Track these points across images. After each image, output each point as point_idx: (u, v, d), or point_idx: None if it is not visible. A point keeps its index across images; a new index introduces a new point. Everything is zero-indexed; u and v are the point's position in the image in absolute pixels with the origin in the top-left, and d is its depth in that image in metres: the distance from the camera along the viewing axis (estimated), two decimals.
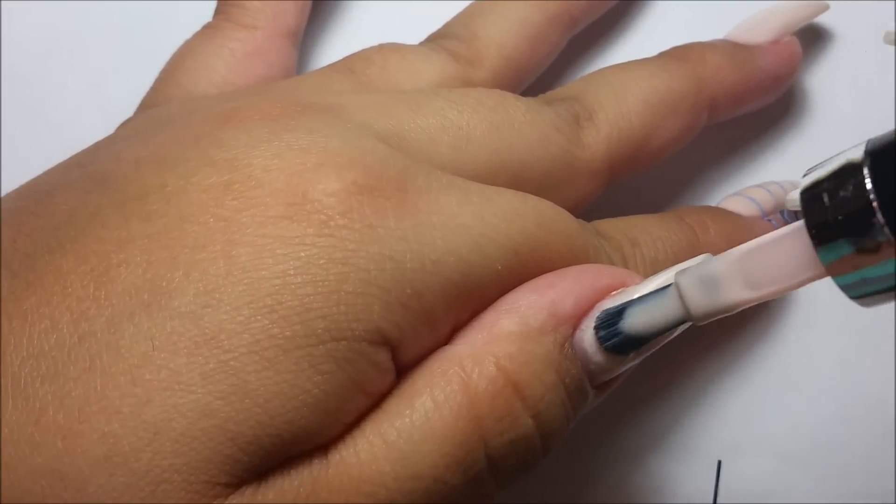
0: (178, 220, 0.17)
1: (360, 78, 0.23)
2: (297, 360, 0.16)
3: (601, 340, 0.18)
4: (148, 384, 0.16)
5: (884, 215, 0.14)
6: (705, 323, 0.17)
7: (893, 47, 0.15)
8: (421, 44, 0.24)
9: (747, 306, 0.17)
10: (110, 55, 0.29)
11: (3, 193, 0.21)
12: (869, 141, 0.14)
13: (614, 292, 0.19)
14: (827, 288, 0.26)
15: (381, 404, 0.18)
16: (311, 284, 0.17)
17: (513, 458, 0.18)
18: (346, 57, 0.24)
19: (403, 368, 0.18)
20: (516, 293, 0.19)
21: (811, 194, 0.15)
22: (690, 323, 0.18)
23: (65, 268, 0.17)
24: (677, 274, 0.17)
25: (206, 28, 0.25)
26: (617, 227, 0.22)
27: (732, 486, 0.26)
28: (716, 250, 0.22)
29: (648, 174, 0.25)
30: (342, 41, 0.28)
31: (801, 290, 0.27)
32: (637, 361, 0.19)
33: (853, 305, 0.27)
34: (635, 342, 0.18)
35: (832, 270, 0.15)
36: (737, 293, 0.17)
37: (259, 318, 0.16)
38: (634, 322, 0.18)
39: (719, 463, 0.26)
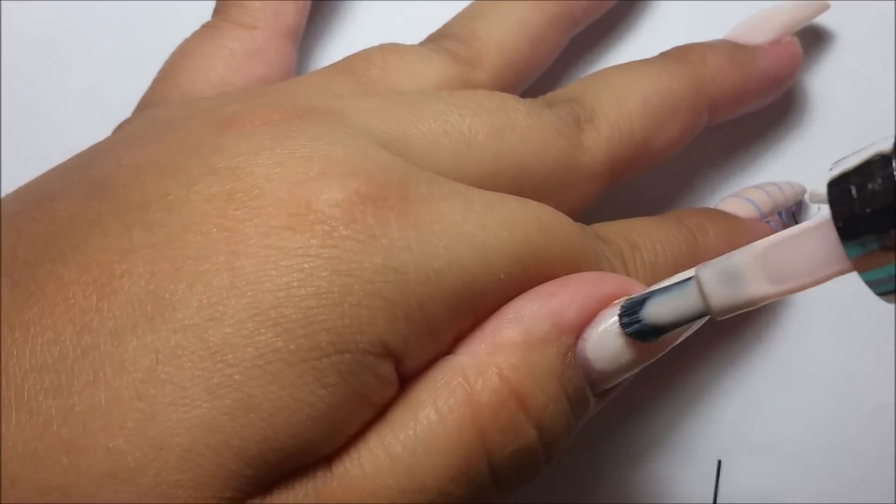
0: (180, 230, 0.17)
1: (359, 79, 0.22)
2: (302, 373, 0.16)
3: (623, 327, 0.18)
4: (153, 399, 0.16)
5: None
6: (725, 318, 0.17)
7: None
8: (421, 44, 0.24)
9: (767, 302, 0.17)
10: (110, 55, 0.29)
11: (3, 193, 0.21)
12: None
13: (616, 301, 0.18)
14: (827, 288, 0.26)
15: (385, 415, 0.17)
16: (314, 297, 0.16)
17: (515, 468, 0.18)
18: (346, 58, 0.23)
19: (407, 378, 0.18)
20: (519, 302, 0.18)
21: (838, 187, 0.14)
22: (709, 316, 0.17)
23: (67, 277, 0.17)
24: (698, 267, 0.17)
25: (206, 27, 0.25)
26: (616, 231, 0.22)
27: (732, 486, 0.26)
28: (715, 253, 0.22)
29: (648, 175, 0.25)
30: (342, 41, 0.28)
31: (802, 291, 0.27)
32: (637, 370, 0.19)
33: (853, 306, 0.27)
34: (656, 331, 0.18)
35: (858, 266, 0.15)
36: (758, 287, 0.16)
37: (263, 331, 0.16)
38: (655, 311, 0.18)
39: (719, 463, 0.26)
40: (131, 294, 0.17)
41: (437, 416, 0.17)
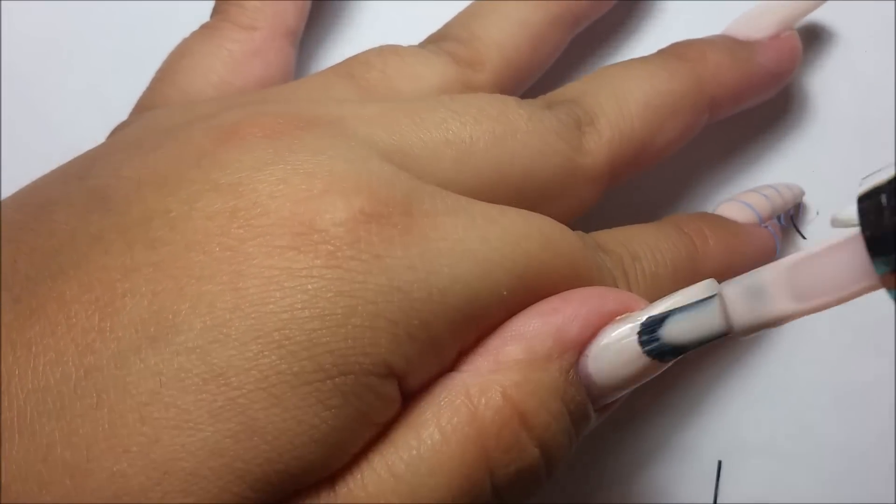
0: (183, 249, 0.17)
1: (359, 83, 0.22)
2: (305, 395, 0.16)
3: (642, 345, 0.18)
4: (156, 423, 0.16)
5: None
6: (749, 337, 0.17)
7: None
8: (421, 45, 0.24)
9: (791, 321, 0.16)
10: (110, 55, 0.29)
11: (3, 193, 0.21)
12: None
13: (619, 317, 0.18)
14: None
15: (388, 434, 0.17)
16: (318, 319, 0.16)
17: (518, 485, 0.18)
18: (346, 60, 0.23)
19: (410, 394, 0.18)
20: (521, 318, 0.18)
21: (869, 202, 0.14)
22: (729, 335, 0.17)
23: (68, 295, 0.17)
24: (722, 284, 0.17)
25: (205, 28, 0.25)
26: (617, 240, 0.22)
27: (733, 486, 0.26)
28: (715, 261, 0.22)
29: (647, 174, 0.25)
30: (342, 42, 0.28)
31: None
32: (638, 385, 0.19)
33: (853, 306, 0.27)
34: (676, 350, 0.18)
35: (887, 282, 0.14)
36: (783, 305, 0.16)
37: (267, 353, 0.16)
38: (674, 330, 0.18)
39: (719, 463, 0.26)
40: (134, 314, 0.16)
41: (440, 436, 0.17)
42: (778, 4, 0.26)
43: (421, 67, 0.23)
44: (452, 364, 0.18)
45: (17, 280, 0.17)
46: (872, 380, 0.26)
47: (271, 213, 0.17)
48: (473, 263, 0.18)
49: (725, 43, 0.25)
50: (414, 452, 0.17)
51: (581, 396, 0.18)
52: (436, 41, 0.24)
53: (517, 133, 0.21)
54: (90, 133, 0.23)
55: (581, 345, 0.18)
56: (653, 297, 0.21)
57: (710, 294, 0.18)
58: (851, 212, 0.15)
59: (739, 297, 0.17)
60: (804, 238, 0.27)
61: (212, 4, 0.26)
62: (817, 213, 0.27)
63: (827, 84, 0.27)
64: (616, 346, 0.18)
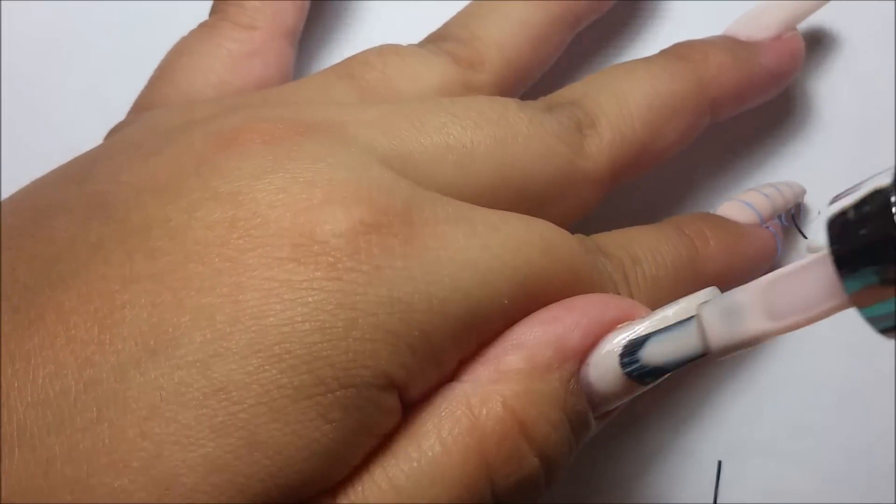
0: (182, 259, 0.17)
1: (359, 83, 0.22)
2: (306, 409, 0.16)
3: (623, 367, 0.18)
4: (157, 438, 0.16)
5: None
6: (726, 358, 0.17)
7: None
8: (421, 45, 0.24)
9: (767, 340, 0.17)
10: (110, 55, 0.29)
11: (3, 193, 0.21)
12: None
13: (620, 325, 0.18)
14: None
15: (388, 445, 0.17)
16: (319, 332, 0.16)
17: (518, 495, 0.18)
18: (345, 60, 0.23)
19: (410, 404, 0.18)
20: (522, 327, 0.18)
21: (837, 222, 0.15)
22: (708, 356, 0.17)
23: (67, 306, 0.17)
24: (700, 305, 0.17)
25: (203, 27, 0.25)
26: (617, 243, 0.22)
27: (733, 486, 0.26)
28: (716, 263, 0.22)
29: (648, 175, 0.25)
30: (341, 41, 0.28)
31: None
32: (638, 393, 0.19)
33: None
34: (656, 372, 0.18)
35: (857, 301, 0.15)
36: (757, 324, 0.16)
37: (268, 367, 0.16)
38: (654, 352, 0.18)
39: (720, 463, 0.26)
40: (133, 327, 0.16)
41: (441, 447, 0.17)
42: (780, 4, 0.25)
43: (421, 68, 0.23)
44: (453, 373, 0.18)
45: (15, 289, 0.17)
46: (873, 380, 0.26)
47: (271, 224, 0.17)
48: (474, 272, 0.18)
49: (727, 44, 0.25)
50: (415, 464, 0.17)
51: (581, 405, 0.18)
52: (435, 41, 0.24)
53: (518, 137, 0.21)
54: (90, 133, 0.23)
55: (582, 354, 0.18)
56: (654, 301, 0.21)
57: (689, 315, 0.18)
58: (823, 238, 0.15)
59: (716, 318, 0.17)
60: (805, 238, 0.27)
61: (212, 4, 0.26)
62: (819, 213, 0.27)
63: (827, 84, 0.27)
64: (616, 355, 0.18)
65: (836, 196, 0.15)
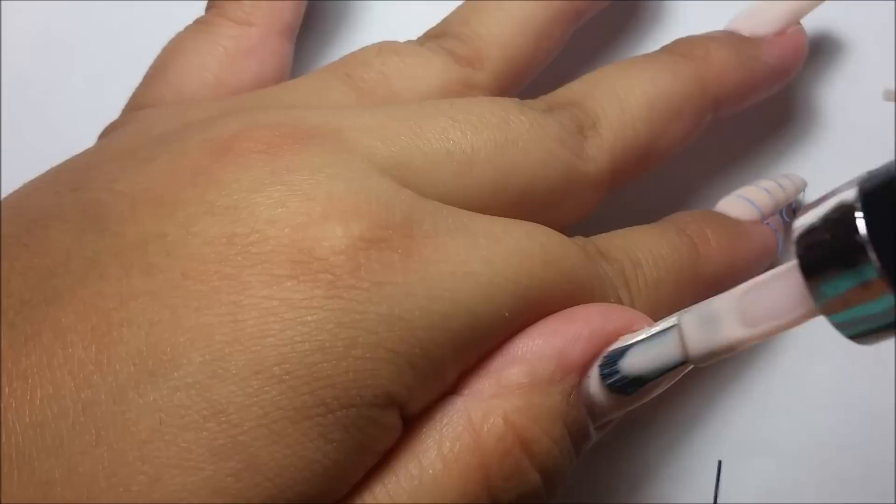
0: (180, 277, 0.17)
1: (357, 84, 0.22)
2: (307, 430, 0.16)
3: (603, 378, 0.18)
4: (157, 461, 0.15)
5: (875, 251, 0.14)
6: (705, 365, 0.17)
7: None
8: (420, 42, 0.24)
9: (745, 347, 0.17)
10: (110, 55, 0.29)
11: (3, 193, 0.21)
12: (861, 179, 0.15)
13: (622, 337, 0.18)
14: None
15: (389, 461, 0.17)
16: (319, 352, 0.16)
17: None
18: (343, 58, 0.23)
19: (410, 419, 0.18)
20: (523, 339, 0.18)
21: (804, 233, 0.15)
22: (691, 366, 0.18)
23: (64, 323, 0.16)
24: (680, 313, 0.17)
25: (199, 23, 0.25)
26: (617, 246, 0.21)
27: (733, 486, 0.26)
28: (716, 264, 0.22)
29: (648, 173, 0.25)
30: (339, 37, 0.28)
31: None
32: (640, 402, 0.19)
33: None
34: (635, 382, 0.18)
35: (825, 309, 0.15)
36: (733, 331, 0.17)
37: (268, 389, 0.16)
38: (634, 362, 0.18)
39: (720, 463, 0.26)
40: (131, 346, 0.16)
41: (442, 465, 0.17)
42: None
43: (420, 68, 0.23)
44: (453, 385, 0.18)
45: (11, 303, 0.17)
46: (873, 380, 0.26)
47: (270, 240, 0.17)
48: (476, 287, 0.18)
49: (730, 40, 0.25)
50: (416, 482, 0.17)
51: (582, 417, 0.18)
52: (435, 38, 0.24)
53: (518, 141, 0.20)
54: (90, 133, 0.23)
55: (584, 367, 0.18)
56: (655, 304, 0.21)
57: (670, 324, 0.18)
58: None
59: (694, 326, 0.17)
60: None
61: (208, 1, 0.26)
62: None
63: (827, 84, 0.27)
64: (597, 366, 0.18)
65: (805, 206, 0.16)
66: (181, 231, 0.17)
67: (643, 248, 0.22)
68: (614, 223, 0.23)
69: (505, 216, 0.20)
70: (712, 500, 0.26)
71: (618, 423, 0.26)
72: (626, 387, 0.18)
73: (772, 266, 0.26)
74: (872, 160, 0.27)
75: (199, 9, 0.26)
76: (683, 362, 0.17)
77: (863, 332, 0.15)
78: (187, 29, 0.25)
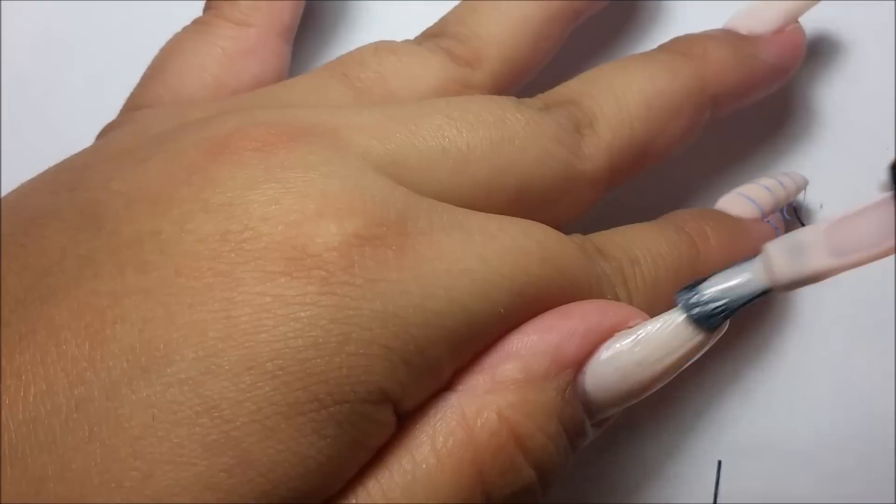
0: (173, 274, 0.17)
1: (354, 84, 0.22)
2: (300, 426, 0.16)
3: (685, 310, 0.18)
4: (149, 457, 0.15)
5: None
6: (788, 291, 0.18)
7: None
8: (417, 42, 0.24)
9: (830, 276, 0.17)
10: (110, 55, 0.29)
11: (3, 193, 0.21)
12: None
13: (618, 333, 0.18)
14: (828, 289, 0.26)
15: (382, 457, 0.17)
16: (312, 348, 0.16)
17: None
18: (340, 58, 0.23)
19: (404, 415, 0.18)
20: (518, 335, 0.18)
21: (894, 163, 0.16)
22: (772, 291, 0.18)
23: (58, 321, 0.16)
24: (766, 244, 0.18)
25: (197, 24, 0.25)
26: (616, 244, 0.21)
27: (733, 486, 0.26)
28: (716, 261, 0.22)
29: (647, 172, 0.25)
30: (337, 38, 0.28)
31: (803, 291, 0.27)
32: (636, 400, 0.19)
33: (853, 306, 0.27)
34: (721, 312, 0.18)
35: None
36: (821, 260, 0.17)
37: (261, 384, 0.16)
38: (716, 291, 0.18)
39: (719, 463, 0.26)
40: (124, 343, 0.16)
41: (435, 460, 0.17)
42: None
43: (417, 67, 0.22)
44: (448, 382, 0.18)
45: (6, 302, 0.17)
46: (873, 380, 0.26)
47: (263, 237, 0.17)
48: (471, 284, 0.18)
49: (728, 38, 0.24)
50: (409, 477, 0.17)
51: (578, 414, 0.18)
52: (433, 38, 0.24)
53: (515, 140, 0.20)
54: (90, 133, 0.23)
55: (579, 363, 0.18)
56: (653, 302, 0.21)
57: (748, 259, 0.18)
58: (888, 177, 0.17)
59: (781, 255, 0.18)
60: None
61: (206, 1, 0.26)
62: (821, 206, 0.27)
63: (826, 83, 0.27)
64: (615, 362, 0.18)
65: None
66: (175, 229, 0.17)
67: (641, 245, 0.22)
68: (613, 222, 0.23)
69: (502, 214, 0.19)
70: (712, 500, 0.26)
71: (617, 424, 0.26)
72: (711, 318, 0.18)
73: None
74: (872, 160, 0.27)
75: (198, 9, 0.26)
76: (769, 289, 0.18)
77: None
78: (185, 30, 0.25)
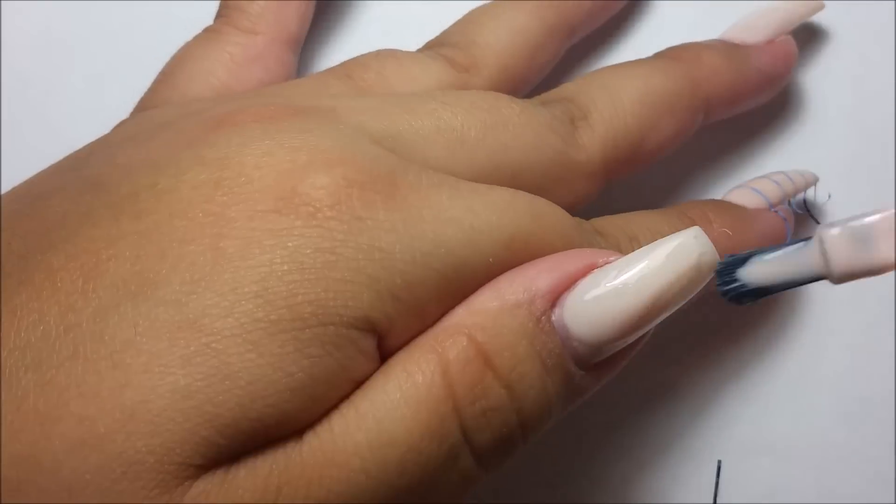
0: (167, 217, 0.17)
1: (356, 83, 0.22)
2: (283, 343, 0.16)
3: (719, 287, 0.18)
4: (128, 368, 0.16)
5: None
6: (843, 283, 0.17)
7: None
8: (419, 51, 0.24)
9: (892, 270, 0.16)
10: (110, 55, 0.29)
11: (3, 193, 0.21)
12: None
13: (596, 269, 0.18)
14: (827, 288, 0.26)
15: (360, 387, 0.17)
16: (298, 272, 0.17)
17: (487, 431, 0.18)
18: (344, 62, 0.23)
19: (388, 355, 0.18)
20: (501, 275, 0.19)
21: None
22: (827, 279, 0.17)
23: (56, 265, 0.17)
24: (821, 227, 0.17)
25: (207, 31, 0.25)
26: (615, 224, 0.22)
27: (732, 486, 0.26)
28: (718, 245, 0.22)
29: (646, 173, 0.25)
30: (342, 49, 0.28)
31: (802, 291, 0.27)
32: (623, 342, 0.18)
33: (853, 306, 0.27)
34: (757, 292, 0.17)
35: None
36: (889, 254, 0.16)
37: (244, 302, 0.16)
38: (760, 271, 0.17)
39: (719, 463, 0.26)
40: (116, 276, 0.17)
41: (406, 374, 0.17)
42: (774, 8, 0.26)
43: (417, 71, 0.23)
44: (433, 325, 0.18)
45: (9, 259, 0.18)
46: (873, 380, 0.26)
47: (255, 182, 0.17)
48: (458, 231, 0.18)
49: (721, 46, 0.25)
50: (380, 392, 0.17)
51: (554, 344, 0.18)
52: (433, 47, 0.24)
53: (509, 125, 0.21)
54: (90, 133, 0.23)
55: (553, 293, 0.18)
56: None
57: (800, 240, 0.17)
58: None
59: (842, 242, 0.16)
60: (818, 223, 0.27)
61: (213, 5, 0.26)
62: (829, 196, 0.27)
63: (826, 83, 0.27)
64: (592, 292, 0.18)
65: None
66: (172, 180, 0.18)
67: (640, 225, 0.22)
68: None
69: None
70: (712, 500, 0.26)
71: (617, 424, 0.27)
72: (744, 297, 0.18)
73: None
74: (872, 160, 0.27)
75: (198, 9, 0.26)
76: (822, 277, 0.17)
77: None
78: (196, 37, 0.25)
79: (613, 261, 0.18)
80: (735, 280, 0.17)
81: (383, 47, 0.24)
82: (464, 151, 0.20)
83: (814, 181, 0.26)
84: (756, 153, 0.28)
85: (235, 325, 0.16)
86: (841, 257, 0.16)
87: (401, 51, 0.24)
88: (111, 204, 0.18)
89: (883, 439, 0.26)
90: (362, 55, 0.24)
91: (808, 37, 0.27)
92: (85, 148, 0.21)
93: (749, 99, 0.26)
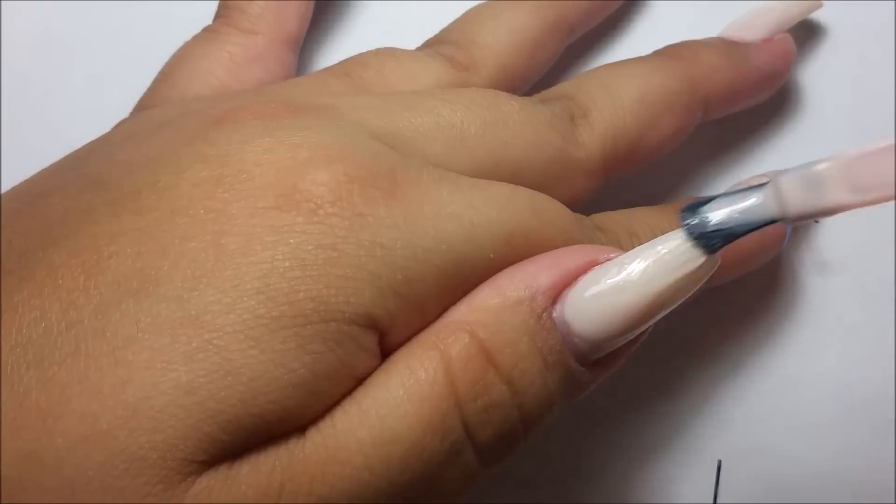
0: (168, 213, 0.17)
1: (355, 82, 0.23)
2: (285, 339, 0.16)
3: (686, 229, 0.18)
4: (130, 364, 0.16)
5: None
6: (797, 224, 0.17)
7: None
8: (418, 49, 0.24)
9: (844, 212, 0.17)
10: (110, 55, 0.29)
11: (3, 192, 0.21)
12: None
13: (598, 266, 0.18)
14: (827, 288, 0.26)
15: (362, 384, 0.18)
16: (299, 268, 0.17)
17: (489, 427, 0.18)
18: (343, 61, 0.24)
19: (389, 352, 0.18)
20: (501, 272, 0.19)
21: None
22: (782, 220, 0.17)
23: (57, 262, 0.17)
24: (774, 174, 0.17)
25: (207, 31, 0.25)
26: (615, 220, 0.22)
27: (732, 486, 0.26)
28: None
29: (646, 170, 0.25)
30: (341, 48, 0.28)
31: (802, 291, 0.27)
32: (622, 338, 0.18)
33: (853, 306, 0.27)
34: (723, 235, 0.18)
35: None
36: (839, 195, 0.16)
37: (246, 299, 0.16)
38: (721, 214, 0.18)
39: (719, 463, 0.26)
40: (118, 273, 0.17)
41: (408, 371, 0.17)
42: (771, 6, 0.26)
43: (417, 69, 0.23)
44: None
45: (10, 257, 0.18)
46: (872, 380, 0.26)
47: (256, 178, 0.18)
48: (459, 227, 0.18)
49: (720, 44, 0.25)
50: (382, 388, 0.17)
51: (555, 341, 0.18)
52: (433, 45, 0.24)
53: (508, 122, 0.21)
54: (90, 133, 0.23)
55: (554, 290, 0.18)
56: None
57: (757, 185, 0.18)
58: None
59: (795, 185, 0.17)
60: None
61: (212, 4, 0.26)
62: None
63: (826, 83, 0.28)
64: (593, 289, 0.18)
65: None
66: (173, 177, 0.18)
67: (640, 221, 0.22)
68: None
69: None
70: (712, 500, 0.26)
71: (616, 424, 0.27)
72: (713, 239, 0.18)
73: (776, 258, 0.26)
74: None
75: (198, 9, 0.26)
76: (777, 219, 0.17)
77: None
78: (195, 37, 0.25)
79: (614, 257, 0.18)
80: (698, 215, 0.18)
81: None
82: (464, 148, 0.20)
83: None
84: (755, 151, 0.28)
85: (237, 322, 0.16)
86: (796, 200, 0.17)
87: (400, 49, 0.24)
88: (112, 201, 0.18)
89: (883, 439, 0.26)
90: (361, 54, 0.24)
91: (807, 35, 0.27)
92: (85, 147, 0.21)
93: (748, 97, 0.26)
